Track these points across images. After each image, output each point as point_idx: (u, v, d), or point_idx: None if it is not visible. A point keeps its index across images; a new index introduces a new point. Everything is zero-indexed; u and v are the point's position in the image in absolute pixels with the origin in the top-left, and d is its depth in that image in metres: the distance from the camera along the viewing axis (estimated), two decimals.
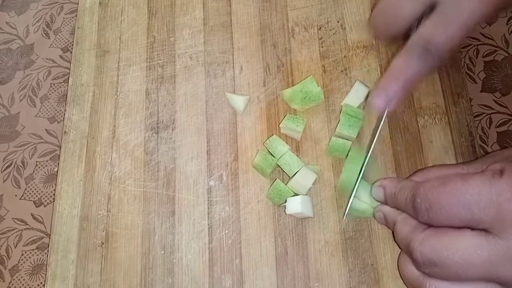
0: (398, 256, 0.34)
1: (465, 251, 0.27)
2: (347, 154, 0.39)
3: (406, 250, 0.31)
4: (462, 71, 0.42)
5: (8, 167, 0.47)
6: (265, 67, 0.44)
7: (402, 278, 0.33)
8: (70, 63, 0.49)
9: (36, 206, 0.45)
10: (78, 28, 0.50)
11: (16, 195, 0.46)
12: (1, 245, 0.44)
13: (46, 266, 0.41)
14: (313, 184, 0.38)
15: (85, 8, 0.51)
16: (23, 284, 0.42)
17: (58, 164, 0.45)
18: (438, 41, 0.30)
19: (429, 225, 0.30)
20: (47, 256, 0.41)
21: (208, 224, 0.40)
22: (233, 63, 0.45)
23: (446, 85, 0.41)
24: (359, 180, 0.36)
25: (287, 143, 0.40)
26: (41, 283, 0.42)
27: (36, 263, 0.43)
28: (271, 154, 0.39)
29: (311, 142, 0.41)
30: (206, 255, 0.39)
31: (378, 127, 0.36)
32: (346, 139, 0.39)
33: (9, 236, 0.44)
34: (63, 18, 0.54)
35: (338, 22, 0.45)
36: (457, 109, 0.41)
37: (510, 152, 0.32)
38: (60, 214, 0.42)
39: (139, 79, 0.46)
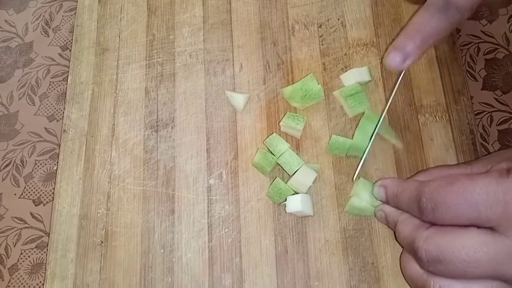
0: (400, 255, 0.34)
1: (471, 249, 0.27)
2: (361, 117, 0.39)
3: (409, 248, 0.31)
4: (463, 69, 0.42)
5: (7, 165, 0.47)
6: (265, 65, 0.44)
7: (404, 277, 0.33)
8: (69, 61, 0.48)
9: (35, 205, 0.45)
10: (77, 26, 0.50)
11: (15, 194, 0.46)
12: (0, 244, 0.44)
13: (45, 265, 0.41)
14: (313, 182, 0.38)
15: (84, 6, 0.50)
16: (22, 283, 0.42)
17: (57, 162, 0.44)
18: None
19: (432, 224, 0.30)
20: (46, 255, 0.41)
21: (208, 223, 0.40)
22: (233, 61, 0.45)
23: (447, 83, 0.41)
24: (372, 139, 0.36)
25: (287, 141, 0.39)
26: (40, 282, 0.42)
27: (35, 262, 0.43)
28: (271, 153, 0.39)
29: (311, 140, 0.41)
30: (206, 254, 0.39)
31: (395, 86, 0.36)
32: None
33: (8, 235, 0.44)
34: (62, 16, 0.53)
35: (338, 19, 0.45)
36: (458, 107, 0.40)
37: None
38: (60, 212, 0.42)
39: (139, 77, 0.46)
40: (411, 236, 0.30)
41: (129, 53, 0.47)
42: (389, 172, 0.39)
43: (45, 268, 0.41)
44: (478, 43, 0.45)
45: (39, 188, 0.46)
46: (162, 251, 0.39)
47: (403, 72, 0.36)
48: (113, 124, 0.44)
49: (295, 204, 0.37)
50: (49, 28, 0.53)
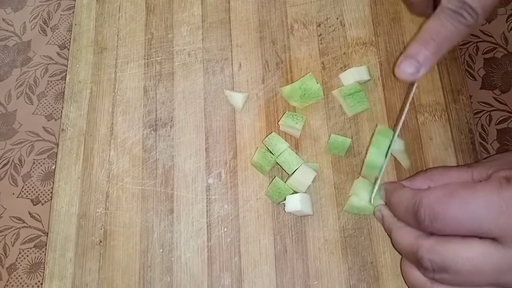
0: (401, 262, 0.34)
1: (475, 259, 0.27)
2: (372, 134, 0.37)
3: (411, 257, 0.31)
4: (461, 68, 0.42)
5: (5, 165, 0.47)
6: (264, 64, 0.44)
7: (406, 283, 0.33)
8: (68, 60, 0.48)
9: (34, 204, 0.45)
10: (76, 25, 0.49)
11: (13, 193, 0.46)
12: None
13: (44, 265, 0.41)
14: (312, 182, 0.38)
15: (83, 5, 0.50)
16: (20, 283, 0.42)
17: (55, 162, 0.44)
18: (473, 1, 0.28)
19: (430, 233, 0.30)
20: (45, 254, 0.41)
21: (207, 222, 0.40)
22: (232, 60, 0.45)
23: (446, 82, 0.41)
24: (387, 159, 0.35)
25: (286, 141, 0.39)
26: (39, 281, 0.42)
27: (33, 262, 0.43)
28: (270, 152, 0.39)
29: (310, 140, 0.41)
30: (205, 253, 0.39)
31: (408, 98, 0.35)
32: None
33: (6, 235, 0.44)
34: (60, 15, 0.53)
35: (337, 18, 0.45)
36: (457, 106, 0.40)
37: None
38: (58, 212, 0.42)
39: (137, 76, 0.46)
40: (412, 245, 0.30)
41: (128, 52, 0.47)
42: (389, 171, 0.39)
43: (44, 267, 0.41)
44: (477, 42, 0.45)
45: (37, 187, 0.46)
46: (161, 250, 0.39)
47: (416, 84, 0.34)
48: (112, 123, 0.44)
49: (294, 203, 0.37)
50: (47, 27, 0.53)
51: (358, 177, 0.38)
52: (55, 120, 0.48)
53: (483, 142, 0.42)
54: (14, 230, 0.44)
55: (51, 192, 0.44)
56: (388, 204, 0.34)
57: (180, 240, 0.39)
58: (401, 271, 0.34)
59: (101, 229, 0.41)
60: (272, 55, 0.44)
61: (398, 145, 0.36)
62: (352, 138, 0.40)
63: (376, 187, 0.35)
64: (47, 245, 0.41)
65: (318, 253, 0.37)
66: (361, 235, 0.37)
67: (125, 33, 0.48)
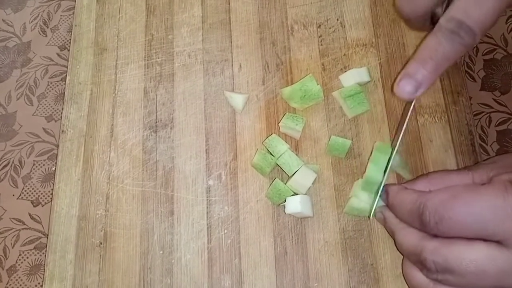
0: (402, 263, 0.34)
1: (479, 262, 0.27)
2: (371, 152, 0.38)
3: (414, 258, 0.31)
4: (461, 70, 0.42)
5: (5, 166, 0.47)
6: (264, 65, 0.44)
7: (408, 285, 0.33)
8: (68, 61, 0.48)
9: (34, 206, 0.45)
10: (76, 25, 0.49)
11: (13, 195, 0.45)
12: None
13: (44, 266, 0.41)
14: (312, 183, 0.38)
15: (83, 6, 0.50)
16: (20, 285, 0.42)
17: (55, 163, 0.44)
18: (472, 20, 0.28)
19: (435, 235, 0.30)
20: (45, 256, 0.41)
21: (207, 224, 0.40)
22: (232, 61, 0.45)
23: (446, 84, 0.41)
24: (386, 176, 0.35)
25: (286, 142, 0.39)
26: (39, 283, 0.42)
27: (33, 263, 0.43)
28: (271, 153, 0.39)
29: (311, 141, 0.41)
30: (205, 255, 0.39)
31: (406, 116, 0.35)
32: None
33: (6, 236, 0.44)
34: (60, 15, 0.53)
35: (337, 20, 0.45)
36: (457, 107, 0.40)
37: None
38: (58, 214, 0.42)
39: (137, 77, 0.46)
40: (416, 247, 0.30)
41: (128, 53, 0.47)
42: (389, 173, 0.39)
43: (44, 269, 0.41)
44: (477, 43, 0.45)
45: (37, 189, 0.46)
46: (161, 252, 0.39)
47: (414, 101, 0.34)
48: (112, 125, 0.44)
49: (295, 205, 0.37)
50: (47, 27, 0.53)
51: (358, 179, 0.38)
52: (55, 121, 0.48)
53: (482, 143, 0.42)
54: (14, 231, 0.44)
55: (51, 194, 0.44)
56: (390, 206, 0.34)
57: (180, 242, 0.39)
58: (402, 272, 0.34)
59: (101, 231, 0.41)
60: (272, 56, 0.44)
61: (397, 162, 0.36)
62: (352, 140, 0.40)
63: (376, 202, 0.36)
64: (47, 246, 0.41)
65: (318, 255, 0.37)
66: (361, 237, 0.37)
67: (125, 34, 0.48)
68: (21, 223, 0.44)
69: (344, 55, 0.43)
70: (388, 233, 0.35)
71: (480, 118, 0.43)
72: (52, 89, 0.50)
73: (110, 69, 0.47)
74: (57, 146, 0.45)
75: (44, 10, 0.54)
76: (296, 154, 0.39)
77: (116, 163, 0.43)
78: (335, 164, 0.40)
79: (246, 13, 0.46)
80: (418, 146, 0.39)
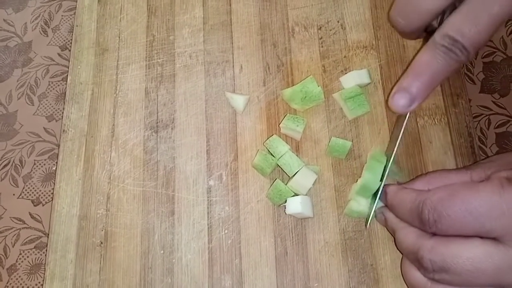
0: (401, 262, 0.34)
1: (476, 259, 0.27)
2: (366, 161, 0.38)
3: (412, 257, 0.31)
4: (461, 72, 0.42)
5: (5, 165, 0.47)
6: (265, 67, 0.44)
7: (406, 284, 0.33)
8: (69, 61, 0.48)
9: (34, 205, 0.45)
10: (77, 26, 0.49)
11: (14, 194, 0.46)
12: None
13: (45, 266, 0.41)
14: (313, 184, 0.38)
15: (84, 6, 0.50)
16: (21, 284, 0.42)
17: (56, 163, 0.44)
18: (467, 35, 0.29)
19: (434, 233, 0.30)
20: (46, 255, 0.41)
21: (208, 224, 0.40)
22: (233, 62, 0.45)
23: (446, 86, 0.41)
24: (382, 186, 0.35)
25: (287, 143, 0.40)
26: (39, 282, 0.42)
27: (34, 263, 0.43)
28: (271, 154, 0.39)
29: (311, 142, 0.41)
30: (206, 255, 0.39)
31: (400, 129, 0.35)
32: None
33: (7, 235, 0.44)
34: (62, 15, 0.53)
35: (338, 22, 0.45)
36: (457, 110, 0.41)
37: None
38: (59, 213, 0.42)
39: (139, 77, 0.46)
40: (414, 245, 0.30)
41: (129, 54, 0.47)
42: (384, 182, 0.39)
43: (44, 268, 0.41)
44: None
45: (38, 188, 0.46)
46: (162, 252, 0.39)
47: (408, 115, 0.34)
48: (113, 125, 0.44)
49: (295, 205, 0.37)
50: (48, 27, 0.53)
51: (357, 180, 0.38)
52: (56, 121, 0.48)
53: (482, 145, 0.42)
54: (14, 231, 0.44)
55: (52, 193, 0.44)
56: (390, 206, 0.34)
57: (181, 241, 0.39)
58: (401, 272, 0.34)
59: (102, 230, 0.41)
60: (273, 58, 0.45)
61: (393, 172, 0.37)
62: (352, 141, 0.40)
63: (373, 212, 0.36)
64: (48, 246, 0.41)
65: (319, 256, 0.37)
66: (361, 237, 0.37)
67: (127, 35, 0.48)
68: (21, 222, 0.44)
69: (345, 57, 0.43)
70: (390, 233, 0.35)
71: (480, 120, 0.43)
72: (53, 89, 0.50)
73: (111, 69, 0.47)
74: (58, 145, 0.45)
75: (45, 10, 0.54)
76: (297, 155, 0.39)
77: (117, 163, 0.43)
78: (335, 165, 0.40)
79: (247, 15, 0.47)
80: (418, 147, 0.40)
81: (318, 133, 0.41)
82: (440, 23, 0.32)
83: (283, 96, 0.42)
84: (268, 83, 0.44)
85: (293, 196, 0.38)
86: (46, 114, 0.49)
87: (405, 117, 0.35)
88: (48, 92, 0.50)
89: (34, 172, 0.46)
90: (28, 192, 0.46)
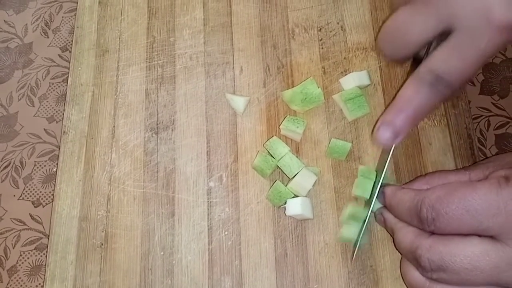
0: (400, 262, 0.34)
1: (474, 258, 0.28)
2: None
3: (410, 257, 0.31)
4: None
5: (6, 167, 0.47)
6: (265, 68, 0.44)
7: (405, 284, 0.33)
8: (69, 63, 0.48)
9: (35, 207, 0.45)
10: (78, 27, 0.50)
11: (14, 195, 0.46)
12: None
13: (45, 267, 0.41)
14: (312, 186, 0.38)
15: (85, 7, 0.50)
16: (21, 285, 0.42)
17: (57, 164, 0.44)
18: (453, 70, 0.29)
19: (432, 232, 0.30)
20: (46, 256, 0.41)
21: (208, 225, 0.40)
22: (233, 63, 0.45)
23: None
24: (364, 228, 0.36)
25: (287, 145, 0.40)
26: (40, 284, 0.42)
27: (34, 264, 0.43)
28: (271, 156, 0.39)
29: (311, 144, 0.41)
30: (206, 256, 0.39)
31: (385, 163, 0.35)
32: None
33: (7, 237, 0.44)
34: (62, 17, 0.53)
35: (338, 23, 0.45)
36: (456, 111, 0.41)
37: (511, 158, 0.32)
38: (59, 214, 0.42)
39: (139, 79, 0.46)
40: (412, 245, 0.31)
41: (130, 55, 0.47)
42: (387, 175, 0.39)
43: (45, 270, 0.41)
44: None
45: (38, 189, 0.46)
46: (162, 253, 0.40)
47: (390, 153, 0.35)
48: (113, 126, 0.45)
49: (295, 207, 0.37)
50: (49, 29, 0.53)
51: (348, 206, 0.38)
52: (57, 122, 0.48)
53: (481, 147, 0.42)
54: (15, 232, 0.44)
55: (52, 195, 0.45)
56: (388, 206, 0.35)
57: (181, 243, 0.39)
58: (400, 272, 0.34)
59: (103, 231, 0.41)
60: (273, 59, 0.45)
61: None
62: (352, 143, 0.40)
63: (363, 230, 0.36)
64: (48, 247, 0.41)
65: (318, 257, 0.38)
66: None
67: (127, 36, 0.48)
68: (22, 224, 0.44)
69: (345, 58, 0.44)
70: (389, 234, 0.35)
71: (479, 122, 0.43)
72: (54, 90, 0.50)
73: (111, 70, 0.47)
74: (58, 147, 0.46)
75: (46, 12, 0.54)
76: (297, 157, 0.39)
77: (118, 164, 0.43)
78: (335, 167, 0.40)
79: (248, 16, 0.47)
80: (418, 149, 0.40)
81: (318, 135, 0.41)
82: (427, 51, 0.32)
83: (283, 98, 0.43)
84: (268, 85, 0.44)
85: (293, 197, 0.38)
86: (47, 115, 0.49)
87: (390, 150, 0.35)
88: (48, 94, 0.50)
89: (34, 174, 0.46)
90: (28, 194, 0.46)
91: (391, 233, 0.35)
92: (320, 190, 0.39)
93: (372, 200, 0.35)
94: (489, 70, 0.45)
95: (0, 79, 0.51)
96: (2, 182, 0.46)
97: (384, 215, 0.35)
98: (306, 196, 0.38)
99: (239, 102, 0.42)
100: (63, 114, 0.46)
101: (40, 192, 0.46)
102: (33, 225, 0.44)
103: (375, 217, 0.37)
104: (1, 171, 0.47)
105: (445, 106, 0.41)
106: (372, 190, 0.36)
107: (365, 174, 0.37)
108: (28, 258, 0.43)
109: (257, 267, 0.38)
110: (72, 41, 0.50)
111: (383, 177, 0.35)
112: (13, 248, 0.44)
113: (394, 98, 0.32)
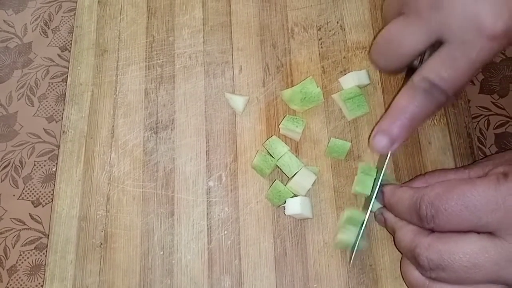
0: (400, 261, 0.34)
1: (473, 255, 0.27)
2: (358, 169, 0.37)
3: (410, 256, 0.31)
4: None
5: (6, 166, 0.47)
6: (264, 68, 0.44)
7: (406, 283, 0.33)
8: (69, 62, 0.48)
9: (34, 206, 0.45)
10: (77, 27, 0.50)
11: (14, 195, 0.46)
12: None
13: (45, 267, 0.41)
14: (312, 185, 0.38)
15: (84, 7, 0.50)
16: (21, 285, 0.42)
17: (56, 164, 0.45)
18: (445, 81, 0.29)
19: (432, 230, 0.30)
20: (46, 256, 0.41)
21: (207, 225, 0.40)
22: (233, 63, 0.45)
23: None
24: (360, 235, 0.36)
25: (286, 144, 0.40)
26: (39, 283, 0.42)
27: (34, 264, 0.43)
28: (271, 155, 0.39)
29: (310, 143, 0.41)
30: (205, 256, 0.39)
31: (381, 171, 0.35)
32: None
33: (7, 236, 0.44)
34: (62, 16, 0.53)
35: (337, 22, 0.45)
36: (456, 110, 0.41)
37: (510, 155, 0.32)
38: (59, 214, 0.42)
39: (138, 78, 0.46)
40: (411, 244, 0.31)
41: (129, 55, 0.47)
42: (387, 174, 0.39)
43: (44, 269, 0.41)
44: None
45: (38, 189, 0.46)
46: (161, 253, 0.40)
47: (389, 154, 0.35)
48: (113, 126, 0.45)
49: (295, 206, 0.37)
50: (48, 28, 0.53)
51: (344, 211, 0.38)
52: (56, 122, 0.48)
53: (481, 146, 0.42)
54: (14, 232, 0.44)
55: (52, 194, 0.45)
56: (388, 205, 0.35)
57: (180, 242, 0.39)
58: (400, 271, 0.34)
59: (102, 231, 0.41)
60: (272, 59, 0.45)
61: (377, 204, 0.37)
62: (351, 142, 0.40)
63: (361, 234, 0.36)
64: (48, 247, 0.41)
65: (318, 256, 0.38)
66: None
67: (127, 36, 0.48)
68: (21, 223, 0.44)
69: (344, 57, 0.43)
70: (390, 233, 0.35)
71: (479, 121, 0.43)
72: (53, 90, 0.50)
73: (111, 70, 0.47)
74: (58, 146, 0.46)
75: (45, 11, 0.54)
76: (296, 156, 0.39)
77: (117, 164, 0.43)
78: (334, 166, 0.40)
79: (247, 16, 0.47)
80: (417, 148, 0.40)
81: (317, 134, 0.41)
82: (421, 62, 0.32)
83: (283, 97, 0.42)
84: (267, 84, 0.44)
85: (292, 197, 0.38)
86: (46, 115, 0.49)
87: (386, 157, 0.35)
88: (48, 93, 0.50)
89: (34, 173, 0.46)
90: (28, 193, 0.46)
91: (392, 233, 0.35)
92: (320, 190, 0.39)
93: (371, 200, 0.35)
94: (489, 69, 0.45)
95: None
96: (1, 182, 0.46)
97: (384, 214, 0.35)
98: (305, 196, 0.38)
99: (238, 102, 0.42)
100: (62, 113, 0.46)
101: (40, 191, 0.46)
102: (32, 225, 0.44)
103: (375, 217, 0.36)
104: (1, 170, 0.47)
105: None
106: (372, 188, 0.36)
107: (366, 171, 0.37)
108: (27, 257, 0.43)
109: (257, 266, 0.38)
110: (71, 40, 0.50)
111: (382, 177, 0.35)
112: (13, 247, 0.44)
113: (389, 106, 0.32)
